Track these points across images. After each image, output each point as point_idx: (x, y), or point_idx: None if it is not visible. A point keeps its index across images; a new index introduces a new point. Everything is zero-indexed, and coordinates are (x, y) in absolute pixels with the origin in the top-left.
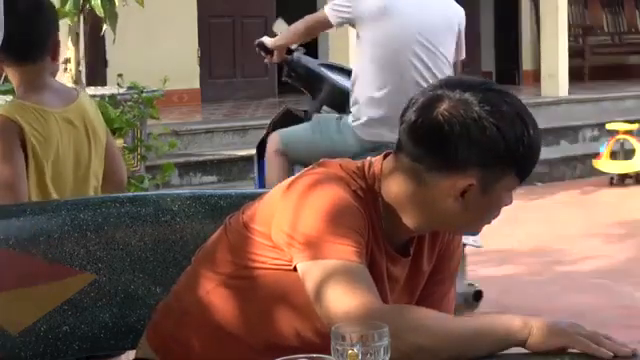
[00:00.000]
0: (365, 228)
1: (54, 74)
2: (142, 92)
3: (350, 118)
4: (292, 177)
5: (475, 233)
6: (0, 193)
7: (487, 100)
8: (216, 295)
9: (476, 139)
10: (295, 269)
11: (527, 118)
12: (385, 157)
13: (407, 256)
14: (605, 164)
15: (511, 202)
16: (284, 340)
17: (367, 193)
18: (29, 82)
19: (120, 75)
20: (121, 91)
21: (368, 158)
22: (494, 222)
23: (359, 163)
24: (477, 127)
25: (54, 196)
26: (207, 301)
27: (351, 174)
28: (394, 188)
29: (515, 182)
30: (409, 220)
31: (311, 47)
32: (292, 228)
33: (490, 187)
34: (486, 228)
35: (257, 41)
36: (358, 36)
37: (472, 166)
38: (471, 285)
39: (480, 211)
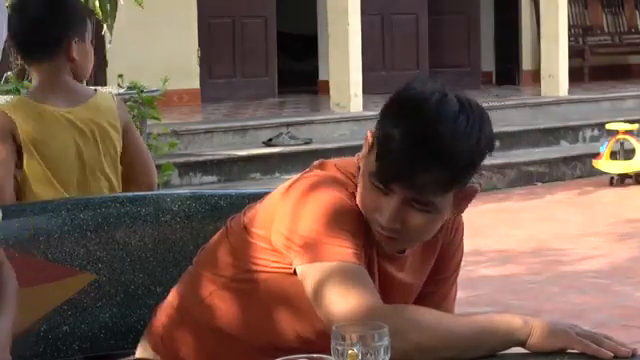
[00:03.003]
0: (362, 230)
1: (77, 74)
2: (142, 92)
3: None
4: (291, 179)
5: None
6: None
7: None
8: (218, 297)
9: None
10: (295, 272)
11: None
12: None
13: (404, 256)
14: (605, 164)
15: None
16: (285, 342)
17: None
18: (45, 81)
19: (120, 76)
20: (121, 91)
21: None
22: (494, 222)
23: (355, 160)
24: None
25: (63, 193)
26: (209, 303)
27: (348, 175)
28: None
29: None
30: None
31: (311, 41)
32: (290, 231)
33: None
34: (486, 228)
35: None
36: None
37: None
38: None
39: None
